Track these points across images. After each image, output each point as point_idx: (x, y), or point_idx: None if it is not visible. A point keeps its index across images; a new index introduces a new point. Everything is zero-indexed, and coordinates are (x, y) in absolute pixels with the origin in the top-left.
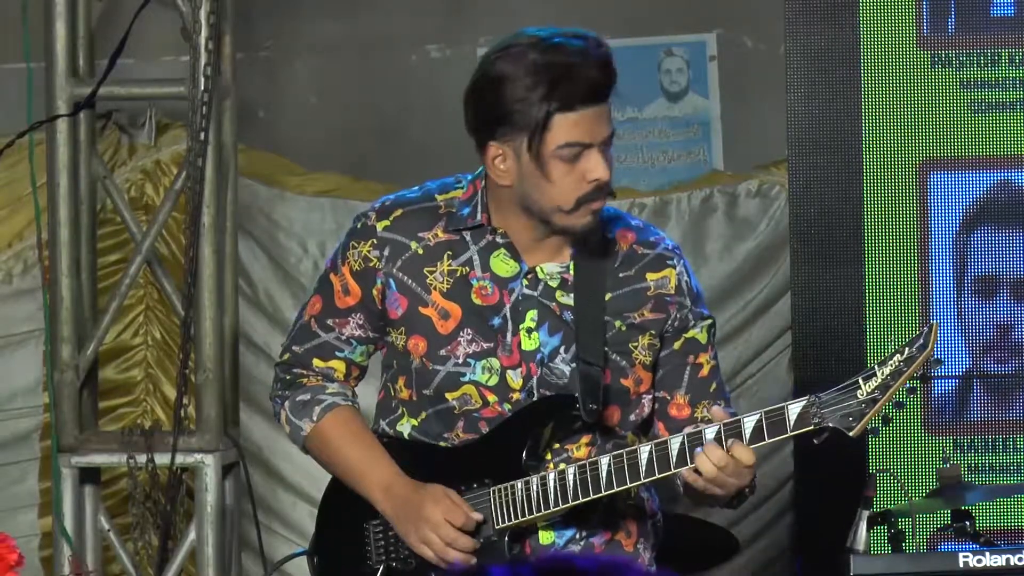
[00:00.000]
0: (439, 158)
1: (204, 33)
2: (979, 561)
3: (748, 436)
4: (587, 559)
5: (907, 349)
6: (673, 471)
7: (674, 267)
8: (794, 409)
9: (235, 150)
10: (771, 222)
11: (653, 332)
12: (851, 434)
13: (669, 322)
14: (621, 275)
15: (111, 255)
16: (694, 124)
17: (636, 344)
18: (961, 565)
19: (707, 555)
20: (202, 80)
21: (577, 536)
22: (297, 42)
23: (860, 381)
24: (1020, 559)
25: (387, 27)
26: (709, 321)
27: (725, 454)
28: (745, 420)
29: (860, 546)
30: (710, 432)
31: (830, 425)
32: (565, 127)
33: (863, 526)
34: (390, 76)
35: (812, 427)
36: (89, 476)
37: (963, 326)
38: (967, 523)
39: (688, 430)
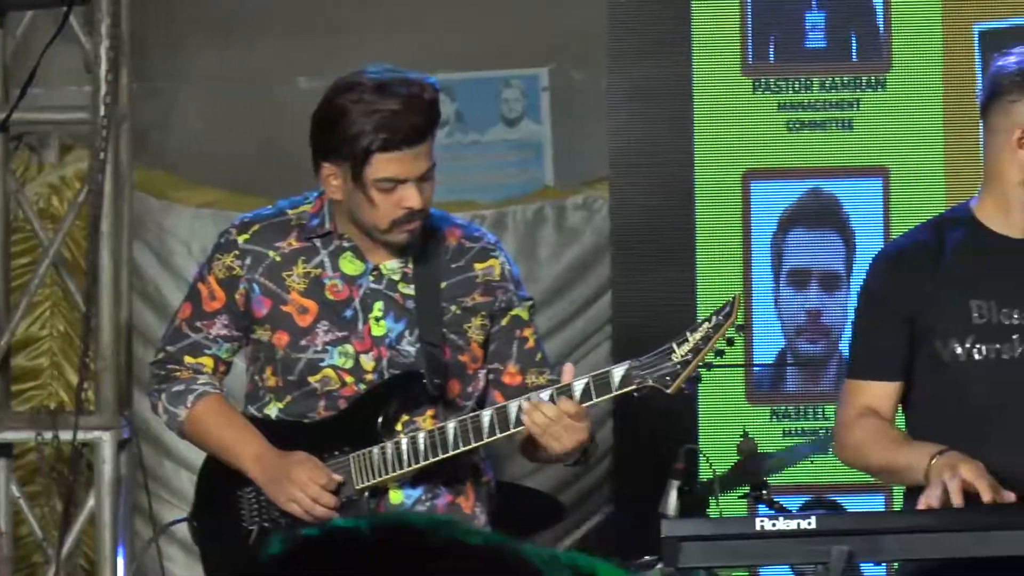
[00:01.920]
0: (307, 177)
1: (104, 66)
2: (773, 525)
3: (578, 396)
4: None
5: (715, 317)
6: (513, 431)
7: (497, 257)
8: (618, 372)
9: (131, 168)
10: (594, 231)
11: (484, 313)
12: (668, 391)
13: (496, 304)
14: (453, 266)
15: (22, 259)
16: (528, 146)
17: (470, 325)
18: (758, 528)
19: (535, 520)
20: (102, 107)
21: (423, 497)
22: (185, 74)
23: (674, 346)
24: (809, 524)
25: (263, 61)
26: (530, 302)
27: (553, 407)
28: (575, 383)
29: (670, 511)
30: (544, 394)
31: (650, 384)
32: (383, 164)
33: (673, 494)
34: (265, 104)
35: (634, 386)
36: (2, 451)
37: (780, 312)
38: (763, 491)
39: (524, 403)
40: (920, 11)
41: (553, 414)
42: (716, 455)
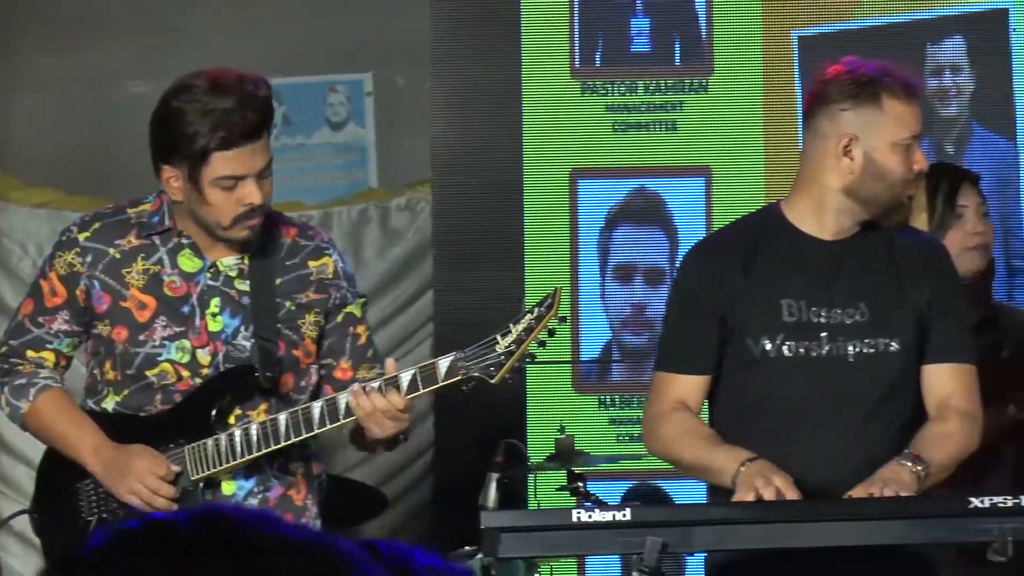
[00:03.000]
0: (139, 177)
1: None
2: (590, 517)
3: (405, 388)
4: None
5: (537, 309)
6: (342, 421)
7: (330, 255)
8: (443, 363)
9: None
10: (417, 231)
11: (318, 310)
12: (493, 381)
13: (331, 301)
14: (288, 263)
15: None
16: (353, 149)
17: (304, 321)
18: (574, 519)
19: (359, 511)
20: None
21: (255, 489)
22: (20, 76)
23: (498, 337)
24: (624, 516)
25: (96, 64)
26: (363, 299)
27: (381, 397)
28: (402, 374)
29: (490, 503)
30: (375, 383)
31: (475, 374)
32: (222, 163)
33: (493, 486)
34: (99, 106)
35: (460, 377)
36: None
37: (606, 306)
38: (580, 484)
39: (353, 387)
40: (741, 18)
41: (380, 403)
42: (545, 444)
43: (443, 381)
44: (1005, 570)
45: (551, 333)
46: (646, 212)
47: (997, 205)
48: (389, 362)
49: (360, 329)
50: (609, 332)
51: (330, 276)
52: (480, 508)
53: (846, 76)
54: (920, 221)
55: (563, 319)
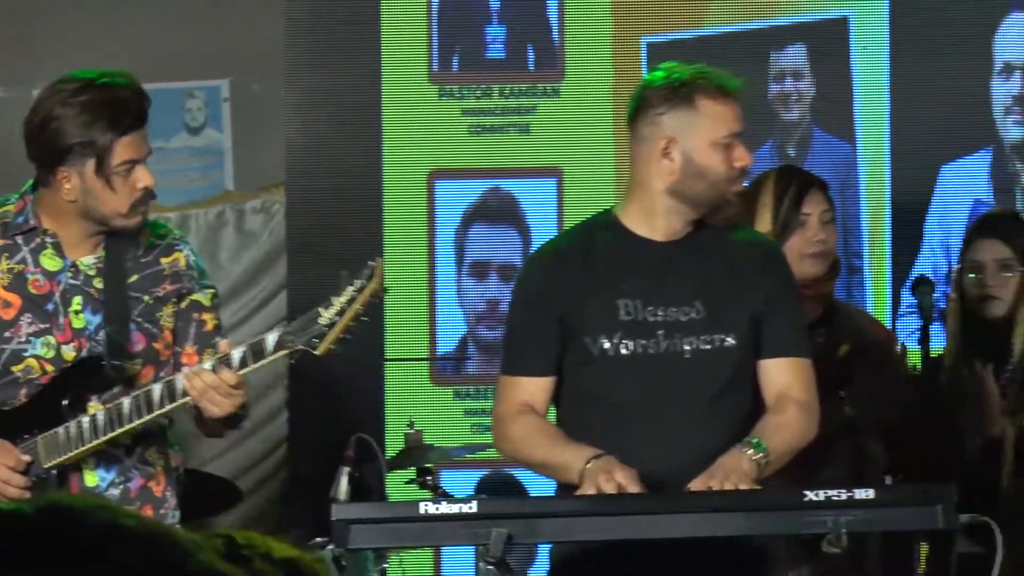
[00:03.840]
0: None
1: None
2: (437, 509)
3: (236, 364)
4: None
5: (357, 282)
6: (180, 401)
7: (182, 251)
8: (271, 338)
9: None
10: (272, 233)
11: (174, 300)
12: (317, 352)
13: (182, 290)
14: (142, 260)
15: None
16: (210, 153)
17: (161, 313)
18: (422, 511)
19: (214, 504)
20: None
21: (116, 480)
22: None
23: (320, 310)
24: (470, 508)
25: None
26: (212, 290)
27: (212, 374)
28: (233, 352)
29: (341, 496)
30: (207, 363)
31: (300, 347)
32: (122, 148)
33: (344, 480)
34: None
35: (287, 350)
36: None
37: (462, 302)
38: (428, 478)
39: (185, 368)
40: (592, 25)
41: (211, 381)
42: (403, 437)
43: (270, 355)
44: (840, 561)
45: (371, 305)
46: (500, 211)
47: (837, 206)
48: (223, 343)
49: (206, 316)
50: (465, 326)
51: (182, 267)
52: (331, 501)
53: (661, 81)
54: (764, 222)
55: (386, 290)
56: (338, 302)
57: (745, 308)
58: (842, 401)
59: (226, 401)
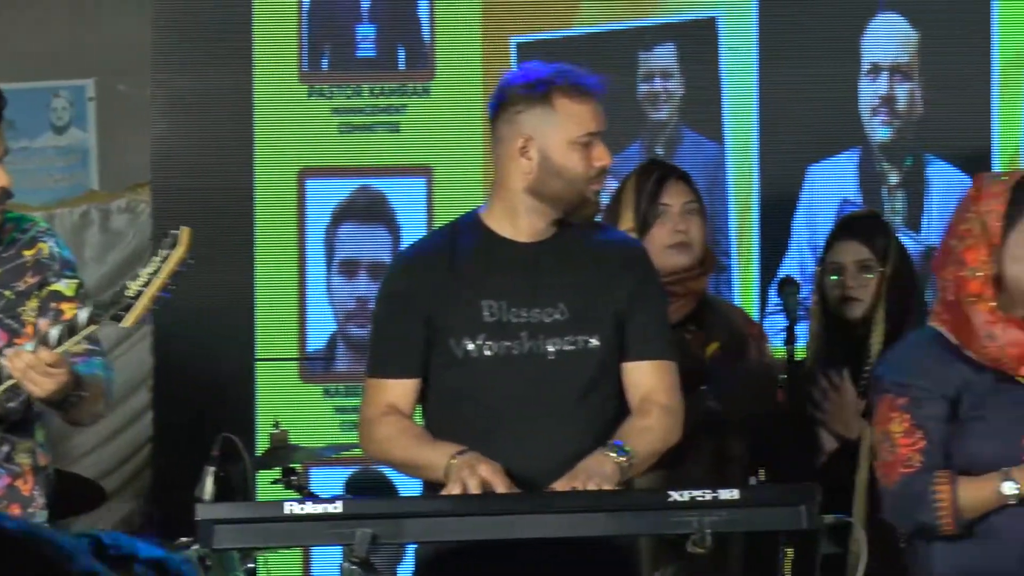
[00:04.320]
0: None
1: None
2: (302, 509)
3: (53, 343)
4: None
5: (162, 251)
6: (6, 384)
7: (45, 242)
8: (83, 314)
9: None
10: (138, 233)
11: (37, 293)
12: (124, 324)
13: (43, 283)
14: (3, 255)
15: None
16: (76, 152)
17: (24, 308)
18: (287, 512)
19: (78, 504)
20: None
21: None
22: None
23: (127, 282)
24: (335, 508)
25: None
26: (77, 281)
27: (30, 354)
28: (51, 330)
29: (206, 496)
30: (27, 345)
31: (108, 320)
32: None
33: (209, 480)
34: None
35: (96, 323)
36: None
37: (332, 300)
38: (293, 478)
39: (7, 350)
40: (462, 25)
41: (30, 360)
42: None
43: (83, 330)
44: (704, 562)
45: (178, 274)
46: (370, 210)
47: (706, 206)
48: (43, 322)
49: (65, 306)
50: (335, 324)
51: (45, 258)
52: (196, 501)
53: (519, 80)
54: (627, 219)
55: (191, 262)
56: (144, 273)
57: (609, 309)
58: (704, 395)
59: (46, 380)
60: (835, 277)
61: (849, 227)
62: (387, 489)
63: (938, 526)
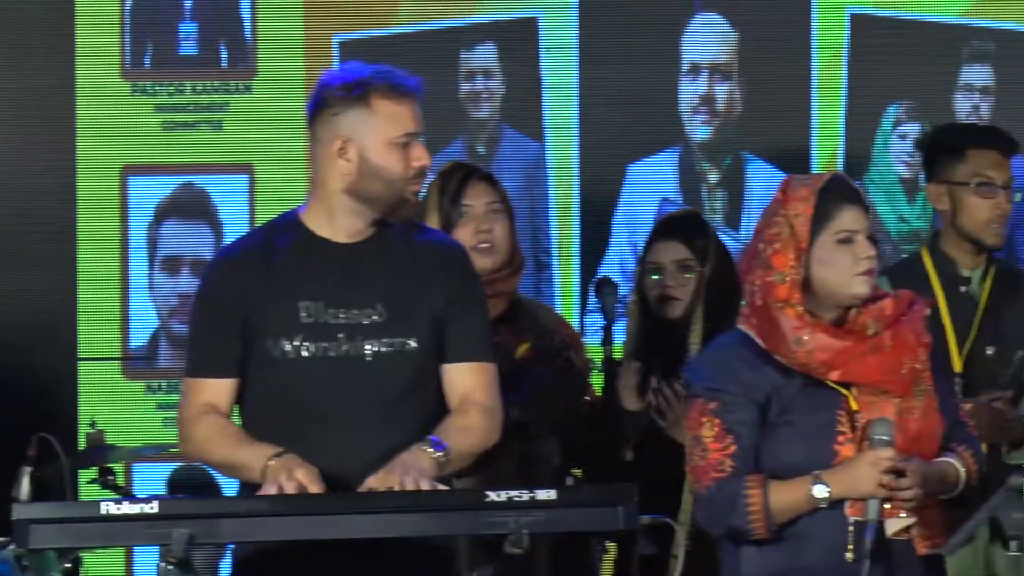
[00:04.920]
0: None
1: None
2: (118, 509)
3: None
4: None
5: None
6: None
7: None
8: None
9: None
10: None
11: None
12: None
13: None
14: None
15: None
16: None
17: None
18: (103, 511)
19: None
20: None
21: None
22: None
23: None
24: (151, 508)
25: None
26: None
27: None
28: None
29: (22, 496)
30: None
31: None
32: None
33: (25, 479)
34: None
35: None
36: None
37: (154, 296)
38: (109, 477)
39: None
40: (284, 23)
41: None
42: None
43: None
44: (522, 562)
45: None
46: (192, 207)
47: (526, 204)
48: None
49: None
50: (157, 321)
51: None
52: (12, 501)
53: (336, 82)
54: (432, 221)
55: None
56: None
57: (427, 310)
58: (510, 406)
59: None
60: (655, 277)
61: (669, 227)
62: (210, 487)
63: (750, 530)
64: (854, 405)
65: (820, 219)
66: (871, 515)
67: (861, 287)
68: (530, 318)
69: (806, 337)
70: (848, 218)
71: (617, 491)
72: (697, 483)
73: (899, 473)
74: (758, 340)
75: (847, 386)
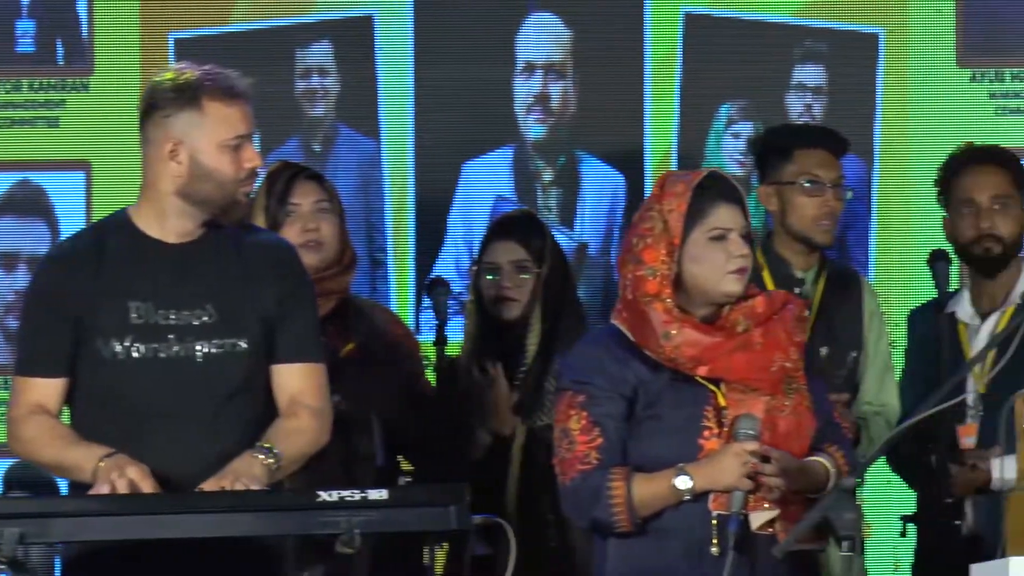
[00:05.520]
0: None
1: None
2: None
3: None
4: None
5: None
6: None
7: None
8: None
9: None
10: None
11: None
12: None
13: None
14: None
15: None
16: None
17: None
18: None
19: None
20: None
21: None
22: None
23: None
24: None
25: None
26: None
27: None
28: None
29: None
30: None
31: None
32: None
33: None
34: None
35: None
36: None
37: None
38: None
39: None
40: (120, 20)
41: None
42: None
43: None
44: (355, 562)
45: None
46: (28, 204)
47: (362, 202)
48: None
49: None
50: None
51: None
52: None
53: (167, 83)
54: (259, 221)
55: None
56: None
57: (257, 311)
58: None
59: None
60: (491, 277)
61: (505, 227)
62: (48, 485)
63: (613, 523)
64: (722, 401)
65: (694, 215)
66: (735, 508)
67: (733, 285)
68: (360, 317)
69: (674, 332)
70: (722, 216)
71: (449, 491)
72: (563, 475)
73: (764, 459)
74: (628, 334)
75: (717, 382)
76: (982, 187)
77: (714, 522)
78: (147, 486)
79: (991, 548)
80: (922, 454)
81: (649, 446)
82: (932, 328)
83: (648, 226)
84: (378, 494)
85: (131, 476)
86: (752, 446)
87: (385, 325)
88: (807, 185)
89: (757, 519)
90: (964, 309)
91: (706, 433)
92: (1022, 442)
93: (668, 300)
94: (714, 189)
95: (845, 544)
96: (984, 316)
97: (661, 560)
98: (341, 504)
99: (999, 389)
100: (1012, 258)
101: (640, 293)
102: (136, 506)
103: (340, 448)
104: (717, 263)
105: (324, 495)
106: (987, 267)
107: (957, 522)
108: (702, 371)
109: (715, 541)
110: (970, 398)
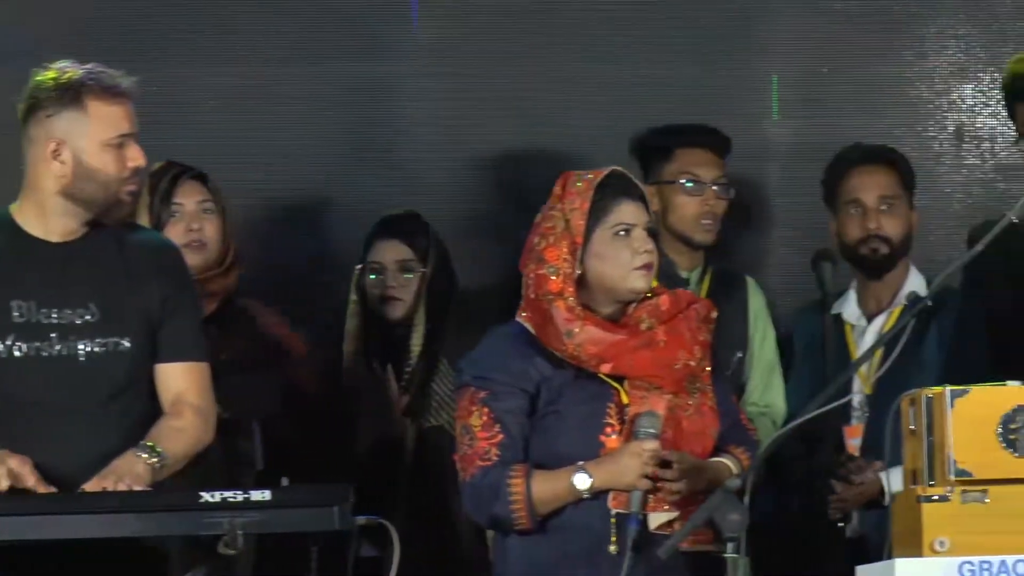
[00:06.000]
0: None
1: None
2: None
3: None
4: None
5: None
6: None
7: None
8: None
9: None
10: None
11: None
12: None
13: None
14: None
15: None
16: None
17: None
18: None
19: None
20: None
21: None
22: None
23: None
24: None
25: None
26: None
27: None
28: None
29: None
30: None
31: None
32: None
33: None
34: None
35: None
36: None
37: None
38: None
39: None
40: None
41: None
42: None
43: None
44: (238, 563)
45: None
46: None
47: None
48: None
49: None
50: None
51: None
52: None
53: (50, 82)
54: (143, 219)
55: None
56: None
57: (141, 310)
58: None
59: None
60: (375, 276)
61: (390, 226)
62: None
63: (513, 520)
64: (625, 399)
65: (597, 213)
66: (634, 507)
67: (639, 281)
68: (242, 319)
69: (577, 330)
70: (625, 212)
71: (332, 492)
72: (463, 471)
73: (665, 464)
74: (532, 331)
75: (620, 380)
76: (869, 188)
77: (613, 520)
78: (28, 476)
79: (876, 550)
80: (808, 456)
81: (551, 442)
82: (818, 328)
83: (550, 225)
84: (261, 495)
85: (11, 466)
86: (652, 444)
87: (268, 327)
88: (688, 184)
89: (656, 519)
90: (851, 310)
91: (608, 430)
92: (908, 443)
93: (571, 298)
94: (615, 187)
95: (730, 546)
96: (871, 317)
97: (562, 557)
98: (224, 505)
99: (885, 390)
100: (899, 259)
101: (542, 292)
102: (19, 507)
103: (218, 449)
104: (622, 260)
105: (207, 496)
106: (874, 268)
107: (841, 524)
108: (605, 368)
109: (614, 540)
110: (856, 399)
